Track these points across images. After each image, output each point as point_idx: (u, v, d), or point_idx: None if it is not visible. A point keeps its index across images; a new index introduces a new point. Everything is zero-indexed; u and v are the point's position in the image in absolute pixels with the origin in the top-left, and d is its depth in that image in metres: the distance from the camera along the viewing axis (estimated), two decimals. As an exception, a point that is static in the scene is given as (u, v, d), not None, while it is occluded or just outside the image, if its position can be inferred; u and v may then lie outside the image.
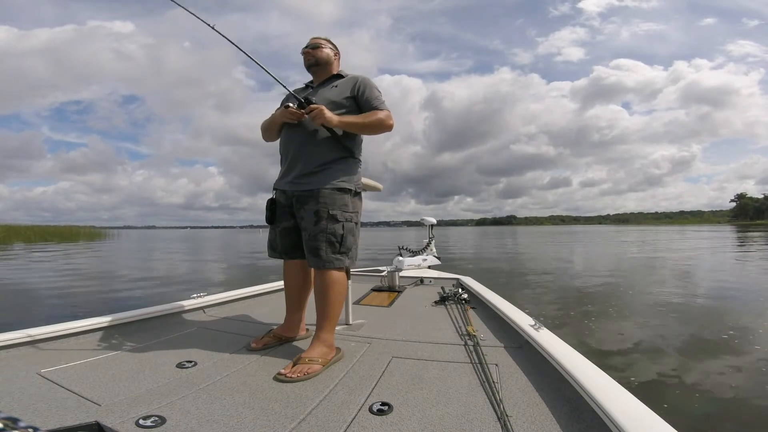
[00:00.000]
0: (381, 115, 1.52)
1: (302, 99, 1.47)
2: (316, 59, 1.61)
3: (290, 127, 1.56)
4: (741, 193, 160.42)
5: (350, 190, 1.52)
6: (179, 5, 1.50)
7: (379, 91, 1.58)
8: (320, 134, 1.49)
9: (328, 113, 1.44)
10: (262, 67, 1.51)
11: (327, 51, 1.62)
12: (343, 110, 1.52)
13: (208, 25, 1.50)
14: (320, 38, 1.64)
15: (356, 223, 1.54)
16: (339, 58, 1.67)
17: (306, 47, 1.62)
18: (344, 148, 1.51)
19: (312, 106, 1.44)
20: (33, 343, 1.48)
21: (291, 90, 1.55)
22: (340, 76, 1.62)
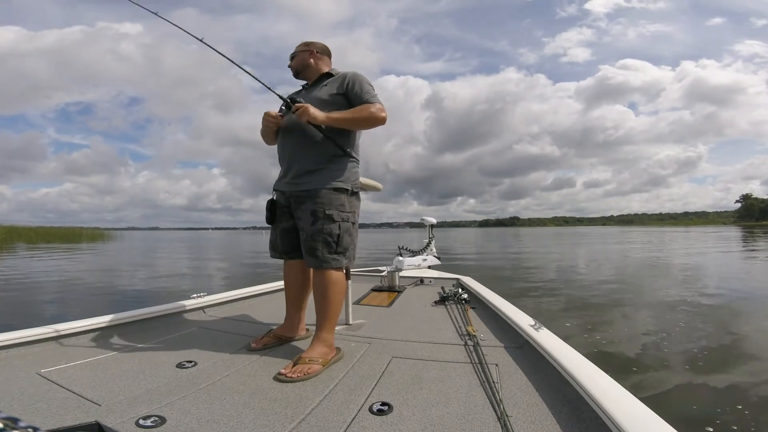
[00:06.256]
0: (371, 107, 1.49)
1: (288, 100, 1.50)
2: (295, 68, 1.65)
3: (286, 130, 1.57)
4: (746, 194, 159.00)
5: (347, 189, 1.51)
6: (165, 20, 1.65)
7: (371, 85, 1.55)
8: (314, 135, 1.49)
9: (313, 110, 1.43)
10: (250, 74, 1.59)
11: (301, 56, 1.64)
12: (334, 108, 1.50)
13: (198, 38, 1.59)
14: (297, 48, 1.67)
15: (353, 223, 1.53)
16: (319, 56, 1.65)
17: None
18: (339, 147, 1.50)
19: (297, 105, 1.44)
20: (33, 343, 1.48)
21: (277, 91, 1.56)
22: (330, 75, 1.62)
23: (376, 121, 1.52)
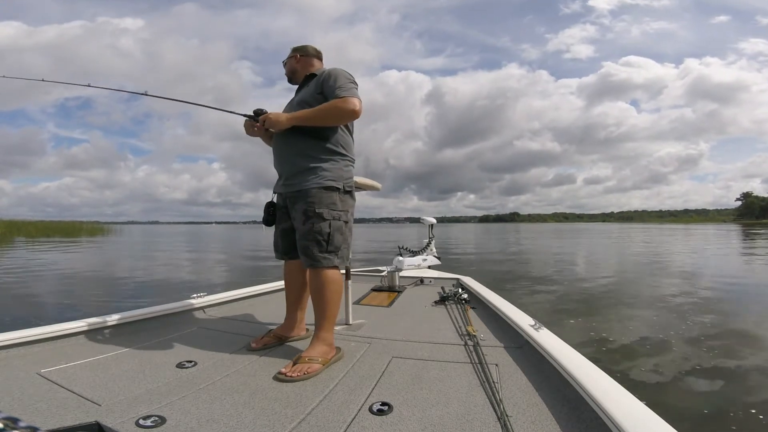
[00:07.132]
0: (338, 101, 1.43)
1: (251, 114, 1.54)
2: (287, 75, 1.71)
3: (276, 134, 1.57)
4: (747, 192, 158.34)
5: (338, 188, 1.50)
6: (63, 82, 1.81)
7: (348, 79, 1.49)
8: (299, 136, 1.49)
9: (275, 116, 1.45)
10: (208, 107, 1.82)
11: (289, 62, 1.69)
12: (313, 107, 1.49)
13: (140, 93, 1.82)
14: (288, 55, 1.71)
15: (345, 222, 1.52)
16: (305, 59, 1.66)
17: None
18: (327, 146, 1.50)
19: (261, 117, 1.47)
20: (33, 343, 1.48)
21: (239, 112, 1.61)
22: (314, 75, 1.61)
23: (344, 113, 1.45)
